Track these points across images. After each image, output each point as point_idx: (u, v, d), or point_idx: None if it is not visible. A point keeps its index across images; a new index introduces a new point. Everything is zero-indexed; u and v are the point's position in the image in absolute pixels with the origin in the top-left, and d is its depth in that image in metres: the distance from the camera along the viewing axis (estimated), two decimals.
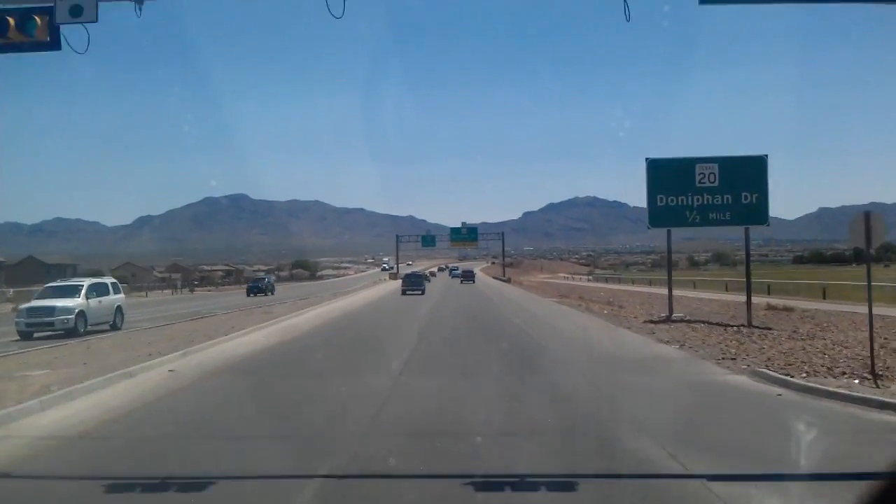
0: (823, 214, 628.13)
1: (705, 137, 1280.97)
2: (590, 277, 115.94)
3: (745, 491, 6.50)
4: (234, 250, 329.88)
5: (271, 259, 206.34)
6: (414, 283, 55.81)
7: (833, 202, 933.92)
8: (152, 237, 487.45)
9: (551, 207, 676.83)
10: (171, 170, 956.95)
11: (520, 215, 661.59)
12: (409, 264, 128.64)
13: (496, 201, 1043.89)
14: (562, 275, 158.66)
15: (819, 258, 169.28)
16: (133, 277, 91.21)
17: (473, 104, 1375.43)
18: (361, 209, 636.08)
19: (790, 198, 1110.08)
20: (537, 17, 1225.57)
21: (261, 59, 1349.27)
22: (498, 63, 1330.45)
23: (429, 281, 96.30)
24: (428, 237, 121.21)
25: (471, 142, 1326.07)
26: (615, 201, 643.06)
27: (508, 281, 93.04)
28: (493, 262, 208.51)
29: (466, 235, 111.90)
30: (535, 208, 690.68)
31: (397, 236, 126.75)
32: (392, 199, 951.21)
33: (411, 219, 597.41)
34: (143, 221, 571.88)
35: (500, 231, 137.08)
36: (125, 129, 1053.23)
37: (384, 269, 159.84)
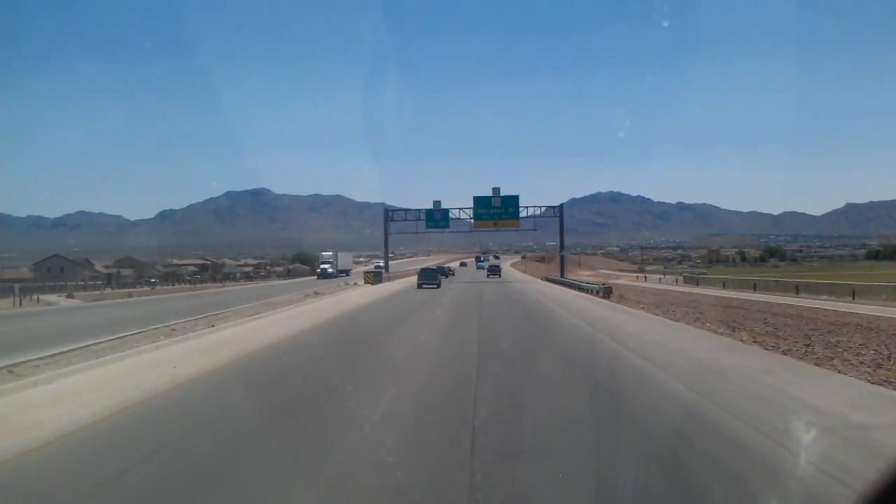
0: (850, 210, 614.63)
1: (729, 128, 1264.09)
2: (679, 278, 77.61)
3: None
4: (254, 245, 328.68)
5: (281, 252, 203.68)
6: (429, 277, 54.50)
7: (860, 198, 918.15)
8: (174, 231, 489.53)
9: (573, 203, 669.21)
10: (193, 164, 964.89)
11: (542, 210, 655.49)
12: (378, 266, 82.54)
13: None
14: (604, 271, 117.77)
15: None
16: (62, 273, 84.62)
17: (494, 99, 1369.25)
18: (383, 204, 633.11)
19: (816, 193, 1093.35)
20: (567, 9, 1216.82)
21: (284, 57, 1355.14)
22: (522, 58, 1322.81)
23: (445, 276, 72.83)
24: (435, 214, 73.54)
25: (492, 137, 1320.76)
26: (638, 196, 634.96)
27: (606, 294, 40.22)
28: (524, 257, 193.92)
29: (499, 210, 71.56)
30: (558, 203, 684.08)
31: (386, 211, 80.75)
32: (415, 195, 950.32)
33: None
34: (165, 215, 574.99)
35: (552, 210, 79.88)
36: (149, 124, 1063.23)
37: (324, 274, 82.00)
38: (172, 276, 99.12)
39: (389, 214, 79.48)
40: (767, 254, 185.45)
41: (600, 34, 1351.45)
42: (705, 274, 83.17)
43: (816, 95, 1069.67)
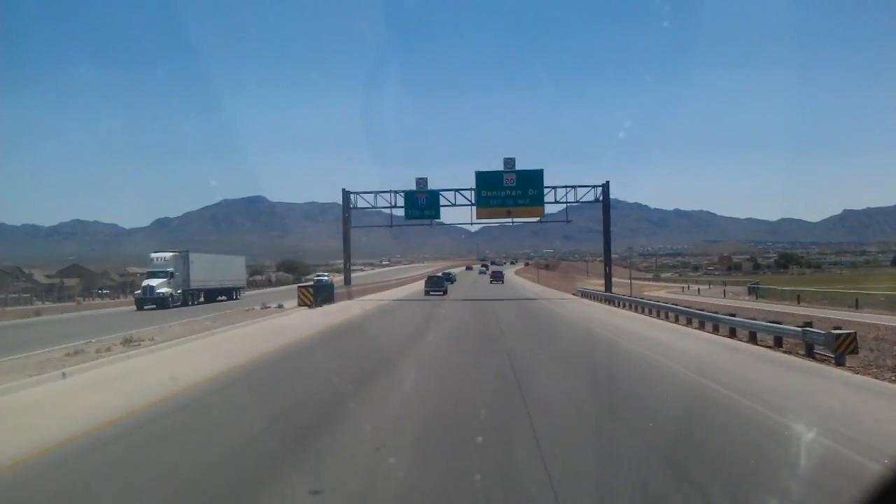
0: (848, 216, 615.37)
1: (726, 135, 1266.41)
2: (749, 293, 66.06)
3: None
4: (251, 253, 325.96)
5: (278, 260, 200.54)
6: (436, 285, 52.70)
7: (857, 204, 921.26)
8: (170, 239, 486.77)
9: (571, 209, 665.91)
10: (188, 172, 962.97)
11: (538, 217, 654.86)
12: (321, 278, 70.05)
13: None
14: (617, 280, 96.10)
15: None
16: None
17: (493, 105, 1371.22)
18: (380, 212, 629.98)
19: (814, 200, 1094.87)
20: (564, 16, 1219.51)
21: (280, 64, 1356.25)
22: (520, 64, 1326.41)
23: (451, 282, 70.36)
24: (418, 199, 49.03)
25: (491, 144, 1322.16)
26: (635, 203, 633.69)
27: (842, 351, 14.09)
28: (527, 264, 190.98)
29: (515, 191, 47.43)
30: (554, 210, 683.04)
31: (346, 195, 51.30)
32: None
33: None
34: (161, 223, 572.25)
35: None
36: (144, 132, 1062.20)
37: (150, 297, 41.98)
38: (127, 287, 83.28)
39: (351, 200, 50.85)
40: (784, 260, 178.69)
41: (597, 41, 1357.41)
42: (758, 284, 72.76)
43: (814, 102, 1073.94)
